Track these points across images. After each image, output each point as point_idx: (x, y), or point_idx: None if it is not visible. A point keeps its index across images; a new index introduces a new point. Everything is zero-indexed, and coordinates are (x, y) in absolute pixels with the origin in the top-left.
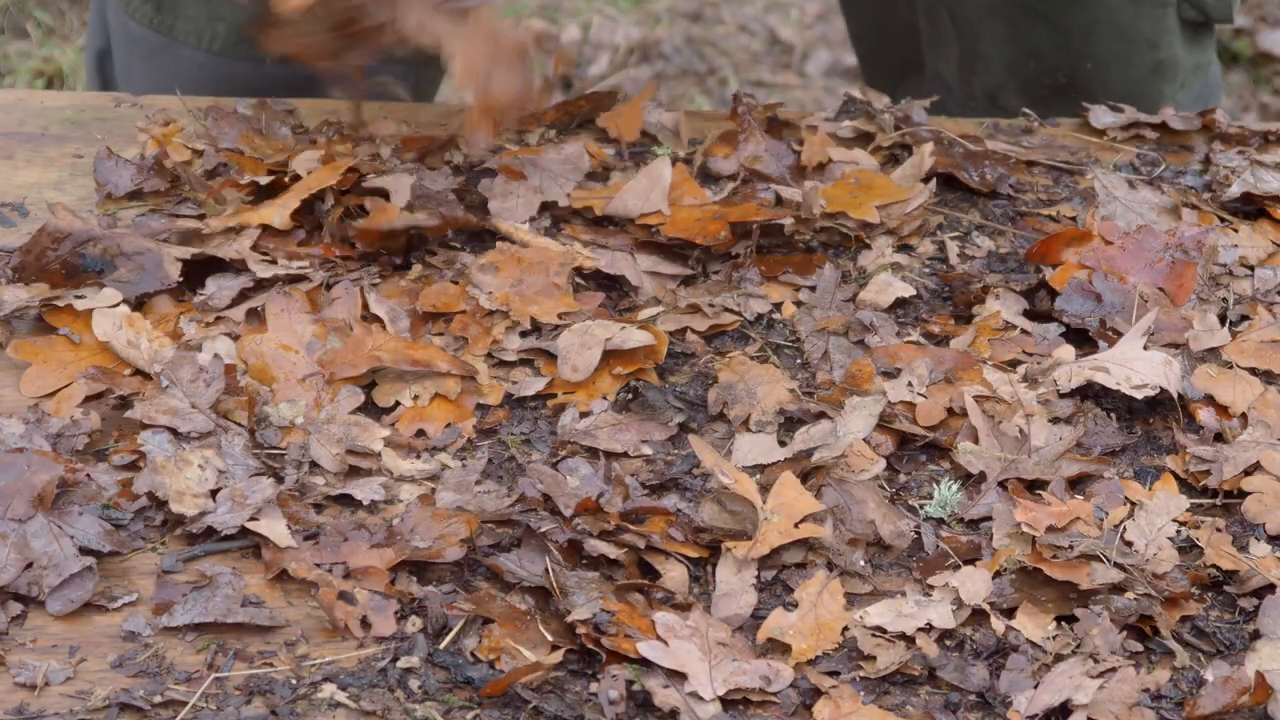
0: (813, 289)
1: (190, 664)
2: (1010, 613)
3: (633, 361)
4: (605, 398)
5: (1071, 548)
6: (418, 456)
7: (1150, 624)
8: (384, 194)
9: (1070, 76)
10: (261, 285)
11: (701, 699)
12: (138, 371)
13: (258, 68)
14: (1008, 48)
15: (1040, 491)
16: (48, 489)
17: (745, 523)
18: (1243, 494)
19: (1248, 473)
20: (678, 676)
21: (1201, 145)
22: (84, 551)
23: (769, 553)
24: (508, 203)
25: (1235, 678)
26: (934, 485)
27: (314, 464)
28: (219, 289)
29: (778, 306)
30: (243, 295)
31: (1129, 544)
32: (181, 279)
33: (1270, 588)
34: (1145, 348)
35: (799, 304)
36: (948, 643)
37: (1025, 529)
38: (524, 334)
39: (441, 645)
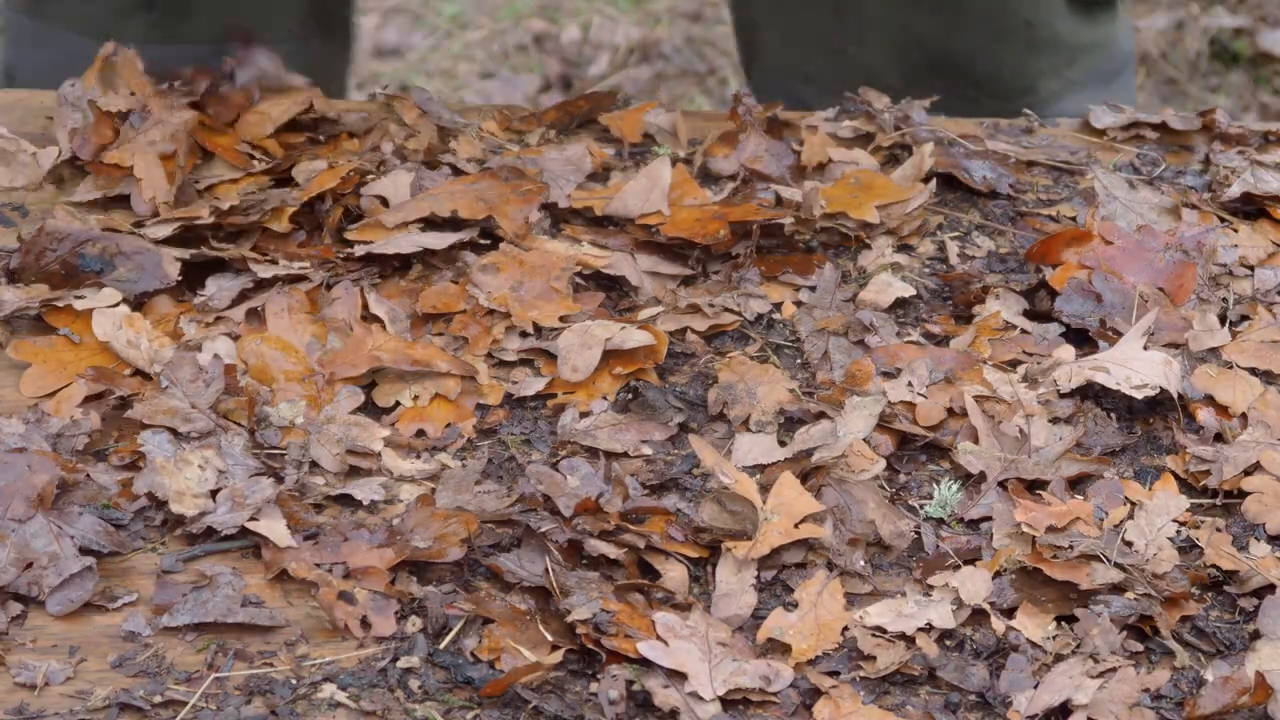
0: (813, 289)
1: (190, 664)
2: (1010, 613)
3: (633, 361)
4: (605, 398)
5: (1071, 548)
6: (418, 456)
7: (1150, 624)
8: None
9: (944, 53)
10: (261, 285)
11: (701, 699)
12: (138, 371)
13: (144, 51)
14: (885, 25)
15: (1040, 491)
16: (48, 489)
17: (745, 523)
18: (1243, 494)
19: (1248, 473)
20: (678, 676)
21: (1201, 145)
22: (84, 551)
23: (769, 553)
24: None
25: (1235, 678)
26: (934, 485)
27: (314, 464)
28: (219, 289)
29: (778, 306)
30: (243, 295)
31: (1129, 544)
32: (181, 278)
33: (1270, 588)
34: (1145, 348)
35: (799, 304)
36: (948, 643)
37: (1025, 529)
38: (524, 334)
39: (441, 645)
